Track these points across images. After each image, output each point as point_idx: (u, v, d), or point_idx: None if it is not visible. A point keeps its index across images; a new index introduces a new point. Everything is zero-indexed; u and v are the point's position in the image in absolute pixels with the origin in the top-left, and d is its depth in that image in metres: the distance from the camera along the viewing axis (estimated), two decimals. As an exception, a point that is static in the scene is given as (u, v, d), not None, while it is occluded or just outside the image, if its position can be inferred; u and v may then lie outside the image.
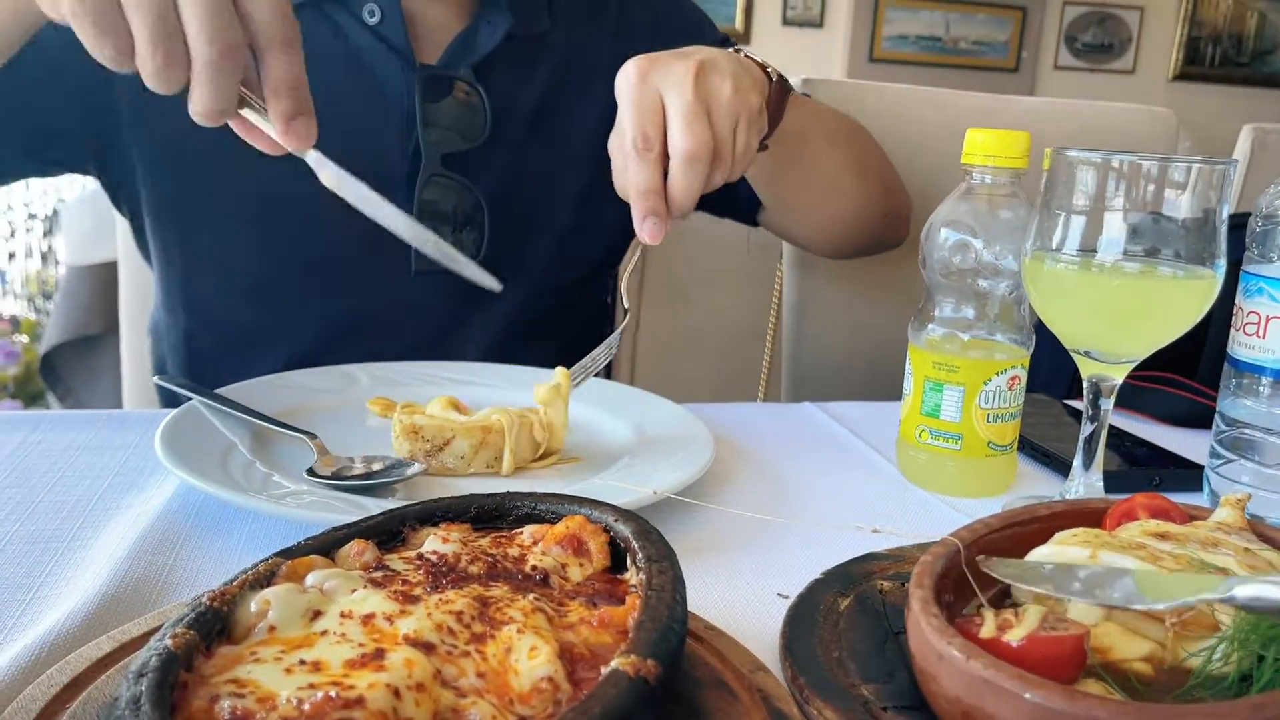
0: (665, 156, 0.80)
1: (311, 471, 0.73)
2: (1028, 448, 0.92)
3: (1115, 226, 0.70)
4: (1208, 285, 0.71)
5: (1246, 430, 0.78)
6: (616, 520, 0.57)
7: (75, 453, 0.79)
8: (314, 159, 0.69)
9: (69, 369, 2.52)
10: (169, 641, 0.41)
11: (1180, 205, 0.69)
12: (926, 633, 0.46)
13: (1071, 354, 0.76)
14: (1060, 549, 0.55)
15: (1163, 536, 0.55)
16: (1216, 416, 0.80)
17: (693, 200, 0.80)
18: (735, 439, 0.93)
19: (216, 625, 0.45)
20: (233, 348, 1.08)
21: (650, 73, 0.80)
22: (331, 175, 0.70)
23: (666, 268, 2.08)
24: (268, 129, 0.68)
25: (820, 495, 0.82)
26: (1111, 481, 0.83)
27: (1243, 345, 0.78)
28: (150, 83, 0.64)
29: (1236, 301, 0.79)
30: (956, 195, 0.82)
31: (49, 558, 0.63)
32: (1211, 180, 0.69)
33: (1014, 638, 0.46)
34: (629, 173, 0.80)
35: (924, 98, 1.52)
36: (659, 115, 0.80)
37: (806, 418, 1.02)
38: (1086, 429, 0.76)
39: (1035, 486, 0.86)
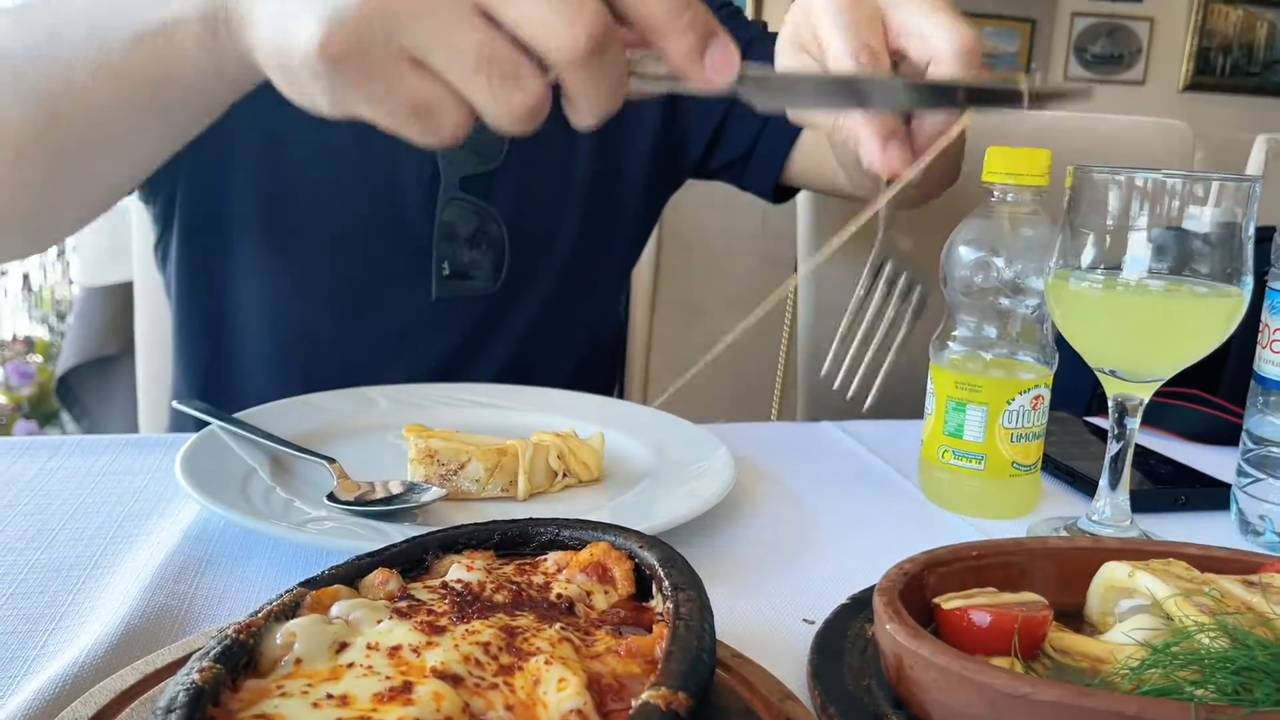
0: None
1: (332, 497, 0.72)
2: (1051, 467, 0.91)
3: (1140, 244, 0.69)
4: (1234, 303, 0.70)
5: (1274, 449, 0.77)
6: (641, 547, 0.56)
7: (94, 478, 0.79)
8: (745, 87, 0.55)
9: (85, 390, 2.53)
10: (196, 676, 0.41)
11: (1204, 222, 0.69)
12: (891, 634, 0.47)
13: (1096, 373, 0.75)
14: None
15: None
16: (1243, 434, 0.80)
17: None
18: (754, 459, 0.92)
19: (243, 658, 0.44)
20: (255, 372, 1.08)
21: None
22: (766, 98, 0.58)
23: (679, 285, 2.08)
24: (662, 87, 0.55)
25: (842, 516, 0.81)
26: (1137, 500, 0.82)
27: (1269, 363, 0.77)
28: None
29: (1262, 318, 0.78)
30: (977, 213, 0.81)
31: (70, 587, 0.62)
32: (1236, 196, 0.68)
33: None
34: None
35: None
36: (879, 25, 0.66)
37: (825, 437, 1.01)
38: (1113, 448, 0.75)
39: (1059, 507, 0.85)
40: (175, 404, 0.89)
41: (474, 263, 1.05)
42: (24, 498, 0.75)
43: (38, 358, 3.68)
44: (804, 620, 0.63)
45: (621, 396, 2.17)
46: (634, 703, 0.42)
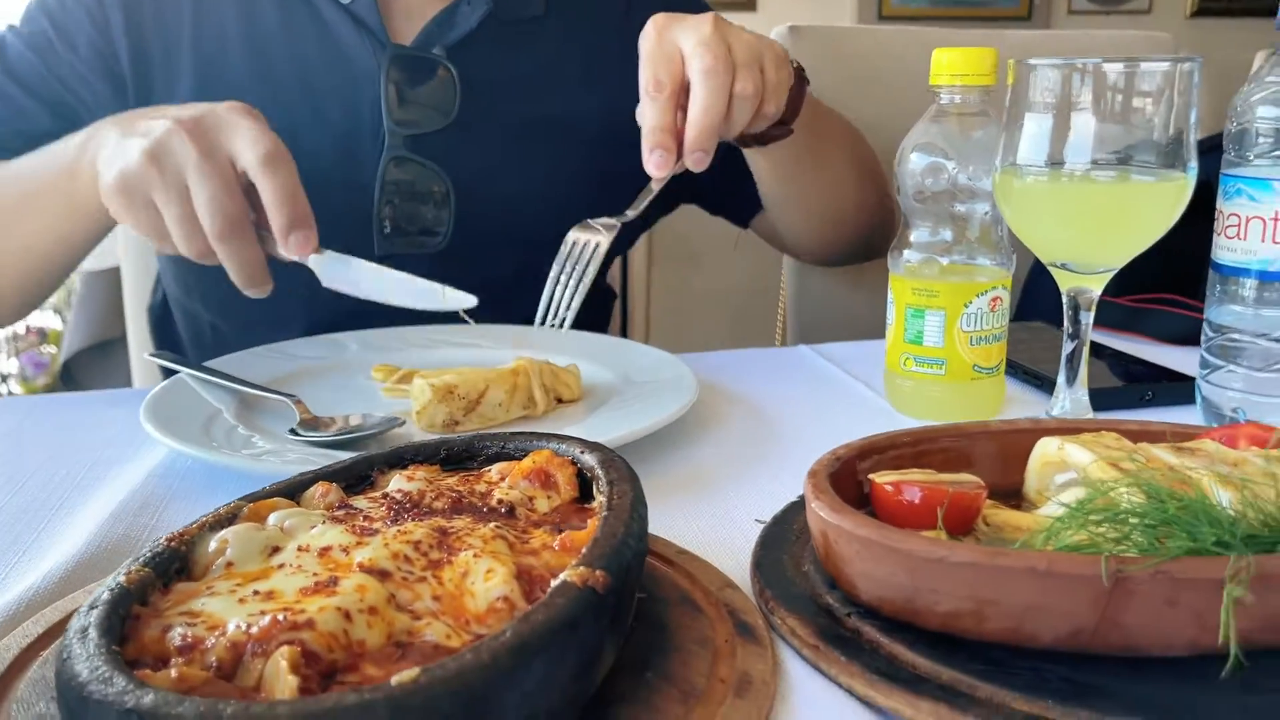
0: (683, 98, 0.80)
1: (294, 431, 0.73)
2: (1019, 372, 0.92)
3: (1083, 134, 0.69)
4: (1179, 188, 0.69)
5: (1234, 335, 0.76)
6: (582, 451, 0.57)
7: (68, 431, 0.81)
8: (313, 262, 0.80)
9: (88, 374, 2.55)
10: (122, 578, 0.42)
11: (1147, 108, 0.68)
12: (818, 511, 0.48)
13: (1049, 268, 0.75)
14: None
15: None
16: (1204, 324, 0.79)
17: (714, 118, 0.79)
18: (726, 382, 0.93)
19: (175, 564, 0.45)
20: (251, 331, 1.09)
21: (668, 27, 0.82)
22: (329, 274, 0.81)
23: (676, 232, 2.08)
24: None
25: (807, 429, 0.82)
26: (1102, 398, 0.83)
27: (1225, 249, 0.76)
28: (188, 256, 0.79)
29: (1217, 205, 0.77)
30: (927, 118, 0.81)
31: (36, 526, 0.64)
32: (1177, 80, 0.68)
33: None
34: (643, 116, 0.81)
35: (914, 37, 1.50)
36: (675, 63, 0.80)
37: (799, 359, 1.02)
38: (1068, 346, 0.75)
39: (1025, 409, 0.85)
40: (146, 355, 0.90)
41: (420, 221, 1.04)
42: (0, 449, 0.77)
43: (51, 348, 3.71)
44: (756, 520, 0.63)
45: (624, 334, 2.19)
46: (553, 583, 0.42)
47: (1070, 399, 0.76)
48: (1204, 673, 0.42)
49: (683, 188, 1.20)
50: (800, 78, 0.92)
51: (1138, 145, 0.69)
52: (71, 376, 2.67)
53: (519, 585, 0.45)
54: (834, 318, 1.52)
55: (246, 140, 0.77)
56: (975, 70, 0.78)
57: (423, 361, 0.91)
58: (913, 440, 0.57)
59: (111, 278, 2.46)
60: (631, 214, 0.84)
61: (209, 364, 0.87)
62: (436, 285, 0.81)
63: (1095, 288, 0.74)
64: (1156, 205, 0.70)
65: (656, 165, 0.80)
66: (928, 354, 0.81)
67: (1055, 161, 0.70)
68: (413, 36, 1.05)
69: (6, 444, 0.78)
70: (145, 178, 0.77)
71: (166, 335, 1.23)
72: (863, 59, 1.44)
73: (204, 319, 1.15)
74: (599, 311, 1.31)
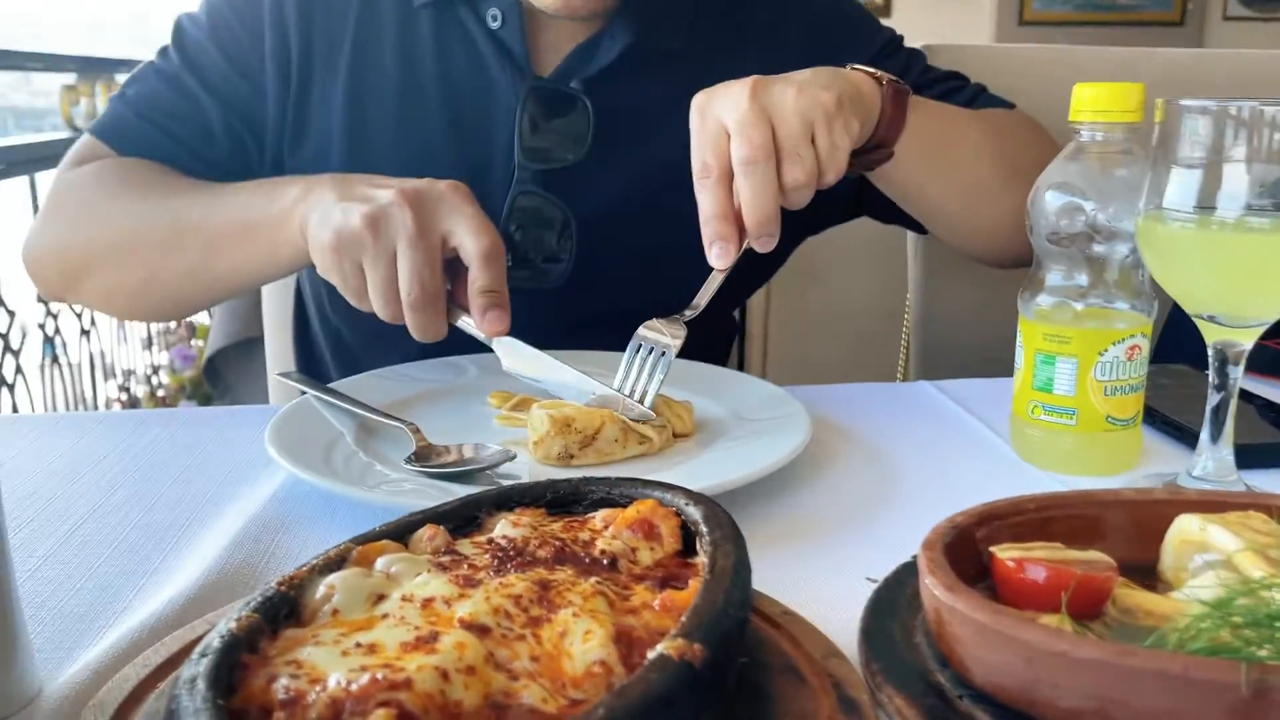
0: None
1: (410, 459, 0.75)
2: (1159, 421, 0.87)
3: (1236, 179, 0.65)
4: (1344, 238, 0.64)
5: (1402, 397, 0.70)
6: (688, 504, 0.56)
7: (200, 447, 0.84)
8: (498, 344, 0.86)
9: (230, 371, 2.67)
10: (232, 625, 0.43)
11: (1308, 152, 0.63)
12: (930, 588, 0.45)
13: (1194, 319, 0.70)
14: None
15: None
16: (1369, 382, 0.73)
17: (766, 206, 0.78)
18: (841, 420, 0.90)
19: (284, 609, 0.46)
20: (350, 352, 1.12)
21: (709, 104, 0.81)
22: (510, 357, 0.86)
23: (798, 251, 2.05)
24: (470, 327, 0.86)
25: (926, 476, 0.79)
26: (1250, 455, 0.78)
27: (1394, 303, 0.70)
28: (381, 315, 0.84)
29: (1388, 255, 0.71)
30: (1065, 155, 0.77)
31: (164, 547, 0.66)
32: (1344, 123, 0.63)
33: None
34: (699, 202, 0.81)
35: (1057, 57, 1.44)
36: (720, 141, 0.80)
37: (920, 397, 0.99)
38: (1213, 399, 0.70)
39: (1164, 463, 0.80)
40: (276, 375, 0.93)
41: (544, 250, 1.05)
42: (135, 465, 0.80)
43: (200, 342, 3.91)
44: (867, 579, 0.61)
45: (741, 364, 2.16)
46: (648, 655, 0.42)
47: (1214, 459, 0.71)
48: (1357, 794, 0.38)
49: (854, 201, 1.17)
50: (898, 94, 0.88)
51: (1297, 192, 0.64)
52: (216, 371, 2.79)
53: (617, 648, 0.45)
54: (961, 345, 1.47)
55: (469, 229, 0.83)
56: (1119, 107, 0.74)
57: (535, 388, 0.91)
58: (1038, 507, 0.54)
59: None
60: (691, 314, 0.84)
61: (335, 385, 0.89)
62: (614, 393, 0.82)
63: (1245, 341, 0.69)
64: (1317, 256, 0.65)
65: (717, 258, 0.81)
66: (1058, 403, 0.77)
67: (1205, 206, 0.66)
68: (554, 67, 1.05)
69: (142, 460, 0.81)
70: (360, 241, 0.81)
71: (305, 338, 1.26)
72: (999, 77, 1.39)
73: (334, 325, 1.18)
74: (720, 344, 1.29)
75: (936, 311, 1.47)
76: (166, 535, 0.68)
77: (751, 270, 1.01)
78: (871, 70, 0.90)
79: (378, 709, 0.38)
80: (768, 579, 0.62)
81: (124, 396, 3.73)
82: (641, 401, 0.81)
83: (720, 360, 1.30)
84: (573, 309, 1.06)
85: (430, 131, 1.04)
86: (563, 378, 0.84)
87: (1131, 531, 0.55)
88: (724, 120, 0.79)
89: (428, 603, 0.46)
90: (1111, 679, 0.40)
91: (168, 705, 0.38)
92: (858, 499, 0.75)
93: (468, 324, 0.85)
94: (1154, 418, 0.87)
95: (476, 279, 0.83)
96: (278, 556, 0.65)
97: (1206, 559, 0.50)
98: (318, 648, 0.43)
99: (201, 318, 4.14)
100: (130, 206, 1.00)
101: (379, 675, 0.40)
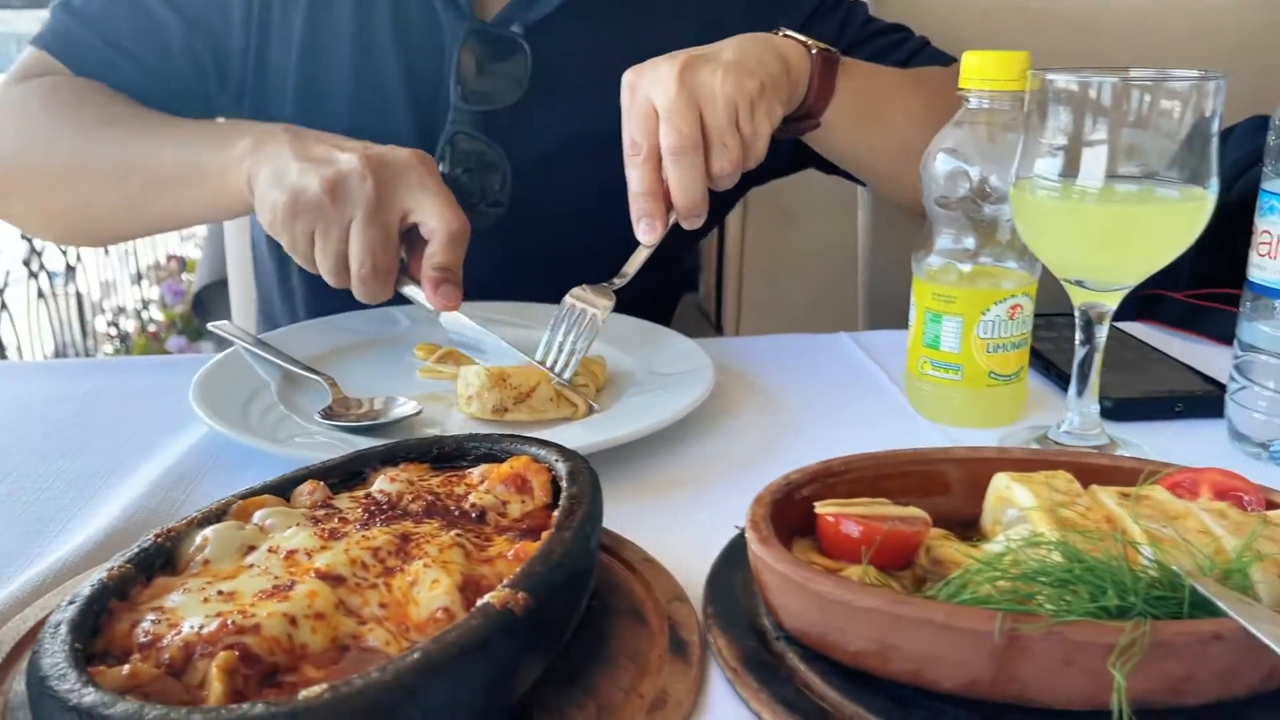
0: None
1: (324, 413, 0.79)
2: (1053, 373, 0.90)
3: (1099, 150, 0.67)
4: (1199, 206, 0.68)
5: (1261, 355, 0.74)
6: (558, 460, 0.60)
7: (134, 396, 0.88)
8: (445, 319, 0.89)
9: (215, 306, 2.71)
10: (104, 574, 0.47)
11: (1167, 125, 0.66)
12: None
13: (1062, 283, 0.74)
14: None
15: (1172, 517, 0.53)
16: (1235, 341, 0.77)
17: (693, 193, 0.81)
18: (756, 372, 0.94)
19: (160, 559, 0.51)
20: (298, 295, 1.16)
21: (638, 81, 0.83)
22: (456, 331, 0.90)
23: (771, 188, 2.07)
24: (418, 296, 0.87)
25: (822, 428, 0.83)
26: (1129, 409, 0.82)
27: (1256, 267, 0.74)
28: (326, 279, 0.86)
29: (1255, 220, 0.75)
30: (953, 122, 0.80)
31: (87, 494, 0.71)
32: (1200, 95, 0.66)
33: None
34: (628, 177, 0.84)
35: (1011, 4, 1.45)
36: (649, 120, 0.82)
37: (837, 349, 1.02)
38: (1079, 355, 0.74)
39: (1046, 414, 0.84)
40: (210, 325, 0.97)
41: (479, 197, 1.07)
42: (72, 413, 0.85)
43: (190, 276, 3.94)
44: (735, 527, 0.66)
45: (719, 305, 2.20)
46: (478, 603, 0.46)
47: (1080, 413, 0.75)
48: (1102, 728, 0.43)
49: (793, 158, 1.19)
50: (828, 63, 0.91)
51: (1158, 161, 0.67)
52: (203, 306, 2.83)
53: (464, 596, 0.49)
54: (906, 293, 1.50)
55: (435, 210, 0.84)
56: (1004, 75, 0.76)
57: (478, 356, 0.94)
58: (872, 465, 0.58)
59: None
60: (620, 281, 0.87)
61: (266, 336, 0.93)
62: (536, 364, 0.84)
63: (1110, 303, 0.73)
64: (1176, 224, 0.69)
65: (644, 233, 0.84)
66: (945, 359, 0.81)
67: (1070, 175, 0.69)
68: (496, 11, 1.06)
69: (79, 408, 0.86)
70: (317, 208, 0.82)
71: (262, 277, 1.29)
72: (948, 28, 1.40)
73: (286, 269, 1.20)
74: (668, 298, 1.32)
75: (883, 260, 1.50)
76: (89, 483, 0.72)
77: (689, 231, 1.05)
78: (803, 38, 0.92)
79: (223, 650, 0.43)
80: (644, 528, 0.66)
81: (114, 332, 3.78)
82: (565, 368, 0.84)
83: (669, 310, 1.34)
84: (510, 251, 1.10)
85: (383, 74, 1.06)
86: (500, 351, 0.87)
87: (964, 485, 0.59)
88: (653, 101, 0.82)
89: (290, 554, 0.51)
90: (887, 625, 0.45)
91: (34, 648, 0.43)
92: (751, 449, 0.79)
93: (415, 293, 0.87)
94: (1050, 370, 0.91)
95: (436, 256, 0.85)
96: (190, 505, 0.69)
97: (1016, 514, 0.54)
98: (183, 595, 0.47)
99: (193, 252, 4.17)
100: (74, 133, 0.99)
101: (230, 621, 0.44)
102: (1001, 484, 0.55)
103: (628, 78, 0.85)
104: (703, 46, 0.86)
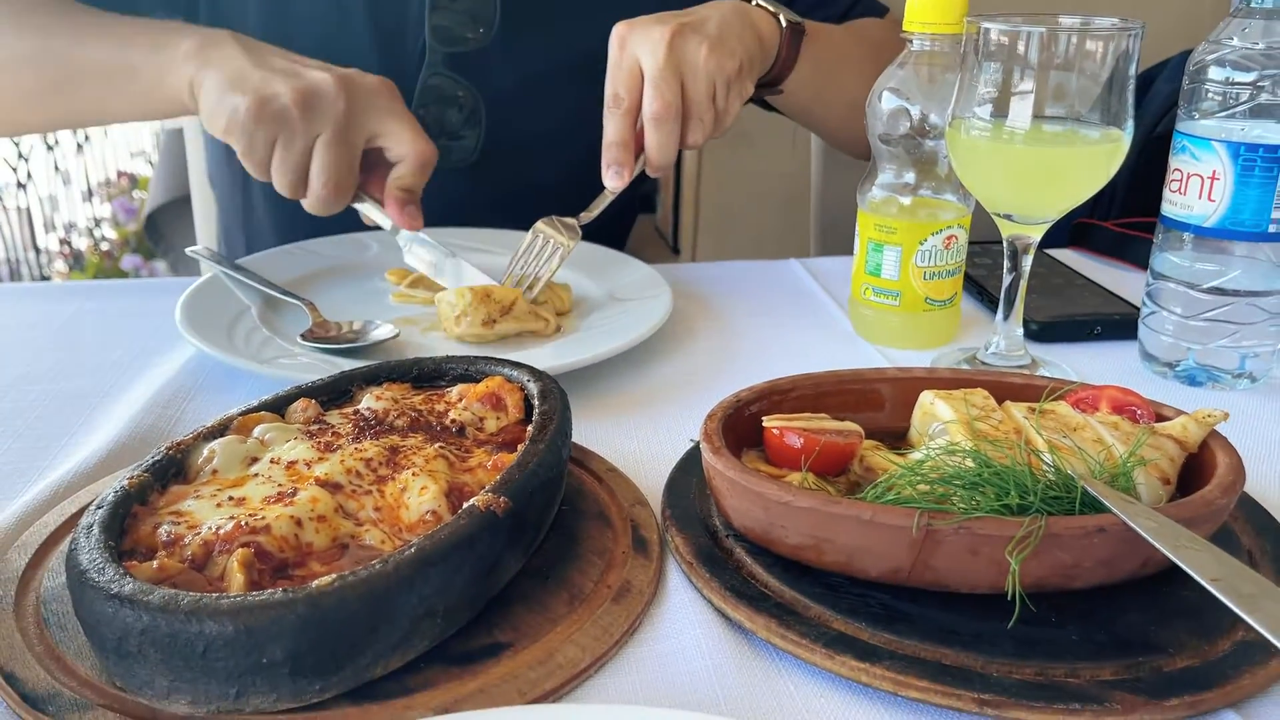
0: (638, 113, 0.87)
1: (305, 335, 0.84)
2: (986, 297, 0.97)
3: (1025, 93, 0.73)
4: (1116, 146, 0.74)
5: (1170, 283, 0.81)
6: (530, 380, 0.66)
7: (117, 319, 0.92)
8: (404, 238, 0.94)
9: (169, 227, 2.70)
10: (125, 482, 0.53)
11: (1090, 69, 0.72)
12: (704, 451, 0.57)
13: (992, 216, 0.80)
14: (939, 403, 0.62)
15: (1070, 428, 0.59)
16: (1149, 269, 0.84)
17: (668, 155, 0.87)
18: (710, 296, 1.00)
19: (172, 469, 0.56)
20: (263, 220, 1.19)
21: (629, 37, 0.87)
22: (415, 252, 0.95)
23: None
24: (377, 215, 0.91)
25: (771, 350, 0.89)
26: (1051, 331, 0.89)
27: (1168, 202, 0.80)
28: (278, 190, 0.87)
29: (1169, 159, 0.81)
30: (896, 63, 0.85)
31: (83, 412, 0.75)
32: (1120, 42, 0.71)
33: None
34: (605, 126, 0.88)
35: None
36: (634, 77, 0.87)
37: (787, 275, 1.08)
38: (1005, 282, 0.81)
39: (978, 336, 0.91)
40: (188, 250, 1.01)
41: (452, 136, 1.11)
42: (59, 335, 0.89)
43: (142, 194, 3.89)
44: (689, 440, 0.72)
45: (677, 219, 2.23)
46: (464, 505, 0.52)
47: (1005, 336, 0.82)
48: (1003, 608, 0.50)
49: None
50: (795, 35, 0.95)
51: (1080, 104, 0.73)
52: (156, 228, 2.82)
53: (449, 501, 0.55)
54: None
55: (405, 136, 0.87)
56: (945, 19, 0.81)
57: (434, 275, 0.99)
58: (814, 384, 0.65)
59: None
60: (588, 217, 0.92)
61: (242, 261, 0.97)
62: (497, 285, 0.89)
63: (1035, 235, 0.79)
64: (1094, 163, 0.75)
65: (611, 179, 0.89)
66: (885, 285, 0.87)
67: (1001, 116, 0.74)
68: None
69: (65, 330, 0.90)
70: (284, 118, 0.82)
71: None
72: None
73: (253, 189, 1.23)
74: (620, 224, 1.36)
75: (833, 190, 1.56)
76: (85, 401, 0.77)
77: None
78: (772, 8, 0.96)
79: (239, 548, 0.49)
80: (606, 441, 0.73)
81: (66, 250, 3.74)
82: (530, 290, 0.90)
83: (625, 231, 1.38)
84: (482, 187, 1.14)
85: (350, 9, 1.08)
86: (458, 269, 0.93)
87: (896, 404, 0.66)
88: (640, 61, 0.86)
89: (291, 464, 0.56)
90: (821, 522, 0.51)
91: (69, 546, 0.48)
92: (704, 370, 0.85)
93: (370, 210, 0.91)
94: (984, 295, 0.98)
95: (405, 178, 0.88)
96: (184, 422, 0.74)
97: (940, 427, 0.61)
98: (196, 501, 0.53)
99: (144, 169, 4.12)
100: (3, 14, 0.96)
101: (243, 522, 0.50)
102: (926, 400, 0.61)
103: (618, 30, 0.88)
104: (689, 12, 0.89)
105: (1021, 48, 0.72)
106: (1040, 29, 0.71)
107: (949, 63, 0.83)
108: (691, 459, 0.66)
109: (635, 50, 0.87)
